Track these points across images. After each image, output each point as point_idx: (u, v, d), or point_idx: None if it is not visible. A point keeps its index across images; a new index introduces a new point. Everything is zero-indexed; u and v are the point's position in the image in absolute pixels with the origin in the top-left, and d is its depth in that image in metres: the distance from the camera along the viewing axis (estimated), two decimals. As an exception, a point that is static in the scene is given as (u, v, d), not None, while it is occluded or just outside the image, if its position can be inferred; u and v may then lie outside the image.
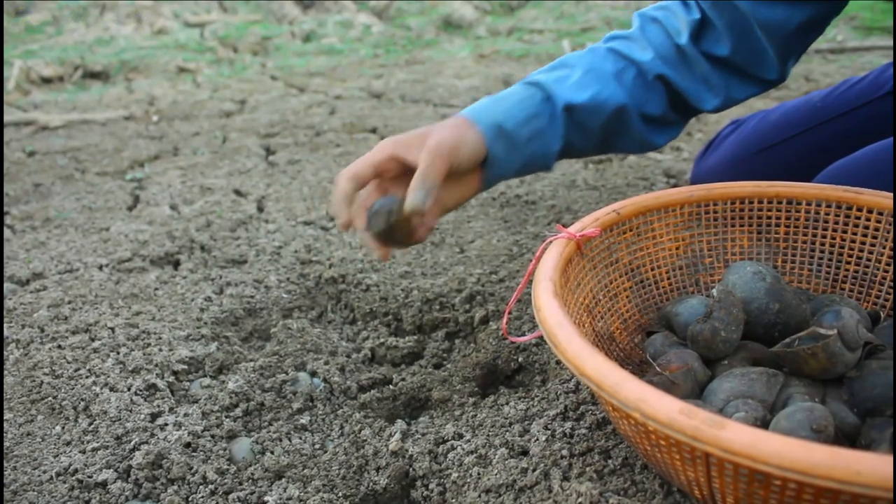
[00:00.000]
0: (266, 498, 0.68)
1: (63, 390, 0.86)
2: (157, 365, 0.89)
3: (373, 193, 0.81)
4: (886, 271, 0.78)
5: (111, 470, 0.73)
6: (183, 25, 4.09)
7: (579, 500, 0.59)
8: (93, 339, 0.97)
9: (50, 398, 0.85)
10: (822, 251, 0.82)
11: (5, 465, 0.74)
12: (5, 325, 1.02)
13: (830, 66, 2.56)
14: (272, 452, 0.74)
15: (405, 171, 0.79)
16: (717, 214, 0.83)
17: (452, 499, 0.66)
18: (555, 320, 0.57)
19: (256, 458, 0.75)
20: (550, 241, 0.70)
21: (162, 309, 1.05)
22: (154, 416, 0.81)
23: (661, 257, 0.82)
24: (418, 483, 0.69)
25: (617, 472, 0.64)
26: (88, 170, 1.78)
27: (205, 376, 0.89)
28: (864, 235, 0.79)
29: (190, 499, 0.69)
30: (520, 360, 0.87)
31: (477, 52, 3.20)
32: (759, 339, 0.71)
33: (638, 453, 0.63)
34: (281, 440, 0.77)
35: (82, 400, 0.84)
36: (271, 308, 1.06)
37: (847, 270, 0.80)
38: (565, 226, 0.73)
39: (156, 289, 1.12)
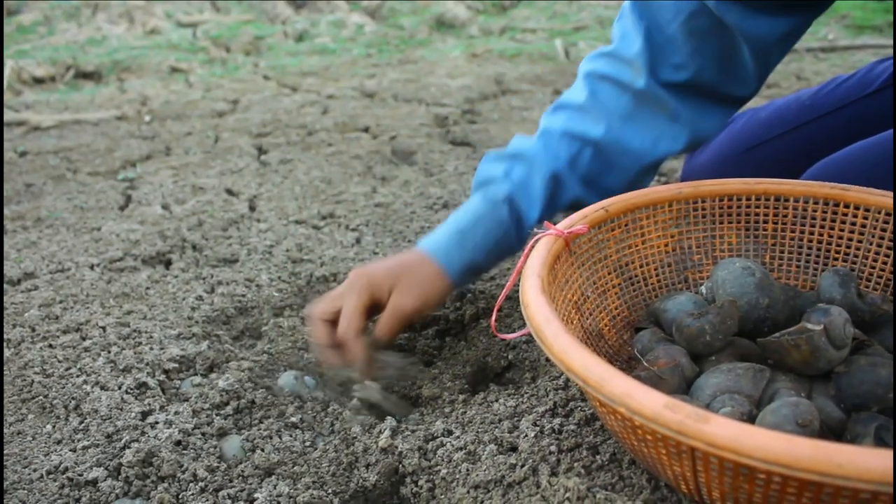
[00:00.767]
0: (256, 495, 0.68)
1: (54, 389, 0.86)
2: (148, 364, 0.90)
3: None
4: (874, 267, 0.79)
5: (101, 468, 0.73)
6: (175, 25, 4.08)
7: (567, 495, 0.59)
8: (84, 339, 0.97)
9: (41, 397, 0.85)
10: (809, 248, 0.83)
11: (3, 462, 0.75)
12: (-4, 324, 1.02)
13: (822, 64, 2.57)
14: (262, 450, 0.75)
15: None
16: (706, 211, 0.83)
17: (441, 495, 0.66)
18: (542, 317, 0.58)
19: (247, 455, 0.75)
20: (538, 238, 0.71)
21: (153, 308, 1.05)
22: (145, 415, 0.81)
23: (649, 254, 0.82)
24: (408, 479, 0.69)
25: (605, 468, 0.64)
26: (80, 170, 1.77)
27: (196, 375, 0.89)
28: (852, 232, 0.80)
29: (180, 496, 0.69)
30: (510, 357, 0.88)
31: (469, 51, 3.20)
32: (748, 334, 0.71)
33: (625, 449, 0.64)
34: (271, 438, 0.77)
35: (73, 399, 0.84)
36: (262, 307, 1.06)
37: (834, 266, 0.81)
38: (554, 223, 0.73)
39: (147, 288, 1.12)
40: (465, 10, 4.07)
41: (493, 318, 0.76)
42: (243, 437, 0.77)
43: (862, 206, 0.78)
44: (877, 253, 0.78)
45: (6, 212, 1.49)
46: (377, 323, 0.84)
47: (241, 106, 2.38)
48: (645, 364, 0.67)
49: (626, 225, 0.80)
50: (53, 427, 0.80)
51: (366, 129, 2.03)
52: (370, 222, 1.35)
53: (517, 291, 0.99)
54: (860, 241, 0.79)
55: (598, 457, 0.65)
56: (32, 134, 2.15)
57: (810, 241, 0.82)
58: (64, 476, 0.72)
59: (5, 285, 1.16)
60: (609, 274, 0.80)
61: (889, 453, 0.41)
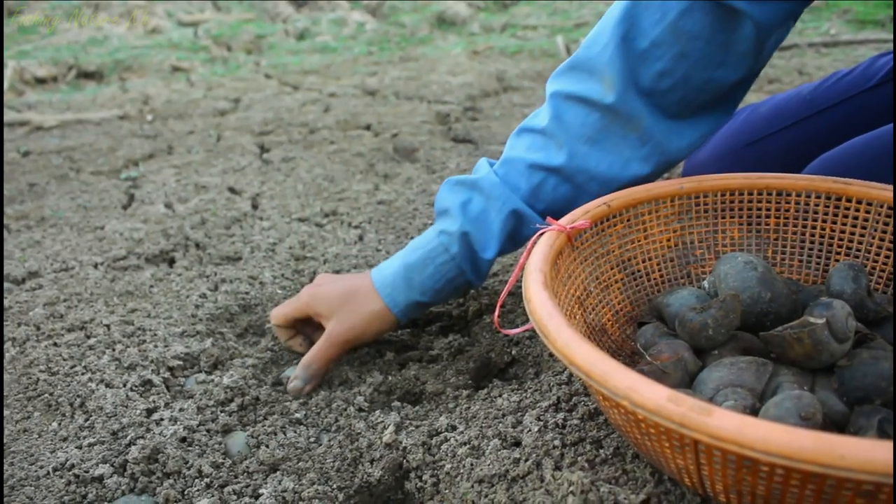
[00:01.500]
0: (261, 490, 0.68)
1: (59, 387, 0.87)
2: (152, 361, 0.90)
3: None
4: (876, 261, 0.79)
5: (107, 465, 0.73)
6: (176, 24, 4.09)
7: (570, 488, 0.60)
8: (88, 337, 0.97)
9: (46, 395, 0.85)
10: (811, 242, 0.83)
11: (3, 460, 0.75)
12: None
13: (823, 59, 2.57)
14: (267, 446, 0.75)
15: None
16: (708, 206, 0.83)
17: (446, 489, 0.67)
18: (544, 311, 0.58)
19: (251, 451, 0.75)
20: (541, 234, 0.71)
21: (157, 306, 1.05)
22: (150, 412, 0.81)
23: (651, 249, 0.83)
24: (412, 475, 0.70)
25: (608, 462, 0.65)
26: (83, 169, 1.78)
27: (200, 372, 0.90)
28: (854, 226, 0.80)
29: (186, 492, 0.70)
30: (513, 353, 0.88)
31: (470, 48, 3.20)
32: (751, 328, 0.72)
33: (629, 442, 0.64)
34: (276, 434, 0.77)
35: (78, 396, 0.84)
36: (266, 304, 1.06)
37: (837, 261, 0.81)
38: (556, 218, 0.73)
39: (151, 286, 1.12)
40: (466, 7, 4.07)
41: (497, 313, 0.77)
42: (248, 433, 0.78)
43: (864, 200, 0.78)
44: (879, 247, 0.78)
45: (10, 211, 1.49)
46: (310, 350, 0.87)
47: (243, 105, 2.39)
48: (648, 358, 0.67)
49: (628, 220, 0.80)
50: (59, 424, 0.81)
51: (368, 127, 2.03)
52: (373, 220, 1.36)
53: (520, 287, 0.99)
54: (862, 236, 0.79)
55: (601, 451, 0.66)
56: (35, 134, 2.15)
57: (812, 235, 0.82)
58: (70, 473, 0.72)
59: (10, 284, 1.16)
60: (611, 269, 0.80)
61: (892, 445, 0.42)
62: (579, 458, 0.65)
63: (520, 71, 2.68)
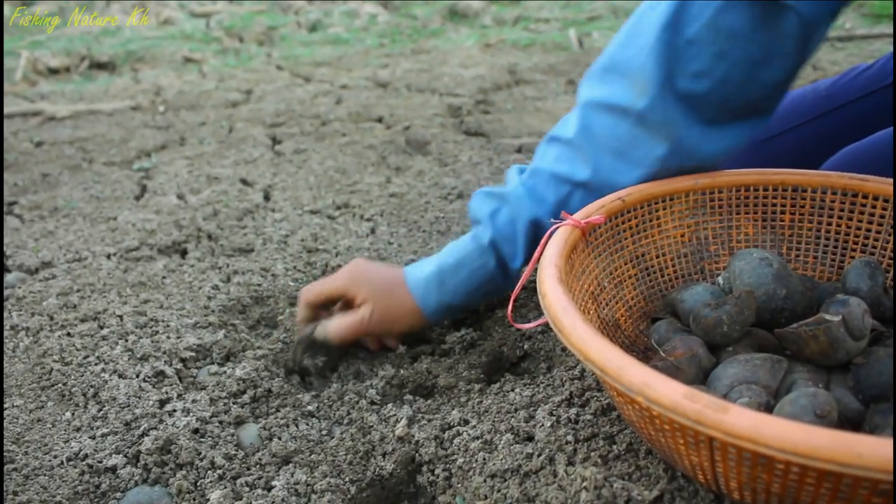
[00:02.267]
0: (274, 483, 0.69)
1: (72, 377, 0.87)
2: (165, 352, 0.90)
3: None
4: (892, 259, 0.78)
5: (120, 455, 0.73)
6: (188, 16, 4.09)
7: (584, 484, 0.59)
8: (101, 327, 0.98)
9: (59, 385, 0.86)
10: (827, 239, 0.82)
11: (17, 449, 0.75)
12: (14, 313, 1.03)
13: (838, 54, 2.55)
14: (279, 438, 0.75)
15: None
16: (723, 202, 0.83)
17: (458, 483, 0.67)
18: (559, 306, 0.58)
19: (264, 443, 0.75)
20: (555, 229, 0.71)
21: (170, 297, 1.05)
22: (162, 403, 0.82)
23: (666, 245, 0.82)
24: (424, 468, 0.70)
25: (621, 458, 0.64)
26: (95, 160, 1.78)
27: (212, 363, 0.90)
28: (870, 223, 0.79)
29: (198, 483, 0.70)
30: (525, 347, 0.88)
31: (483, 41, 3.19)
32: (766, 324, 0.71)
33: (642, 438, 0.64)
34: (288, 426, 0.77)
35: (91, 387, 0.85)
36: (278, 296, 1.06)
37: (852, 258, 0.80)
38: (570, 213, 0.73)
39: (163, 277, 1.12)
40: (479, -1, 4.06)
41: (510, 308, 0.77)
42: (260, 425, 0.78)
43: (881, 196, 0.78)
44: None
45: (23, 201, 1.50)
46: (334, 318, 0.88)
47: (255, 96, 2.39)
48: (662, 354, 0.67)
49: (642, 215, 0.80)
50: (73, 415, 0.81)
51: (379, 119, 2.03)
52: (385, 212, 1.35)
53: (533, 282, 0.99)
54: (879, 232, 0.79)
55: (614, 447, 0.66)
56: (48, 124, 2.16)
57: (828, 231, 0.82)
58: (84, 463, 0.73)
59: (24, 274, 1.17)
60: (625, 264, 0.80)
61: (910, 444, 0.41)
62: (592, 454, 0.65)
63: (532, 64, 2.67)
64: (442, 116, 2.02)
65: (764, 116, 0.80)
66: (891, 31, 2.81)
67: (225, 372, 0.87)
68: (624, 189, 0.79)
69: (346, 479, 0.69)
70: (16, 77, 2.81)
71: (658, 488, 0.59)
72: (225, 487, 0.69)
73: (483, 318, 0.96)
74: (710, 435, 0.46)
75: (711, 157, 0.80)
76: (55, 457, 0.74)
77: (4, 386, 0.86)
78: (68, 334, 0.96)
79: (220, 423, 0.78)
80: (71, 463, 0.73)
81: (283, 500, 0.66)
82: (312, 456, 0.73)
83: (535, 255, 0.70)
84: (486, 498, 0.63)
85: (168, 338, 0.94)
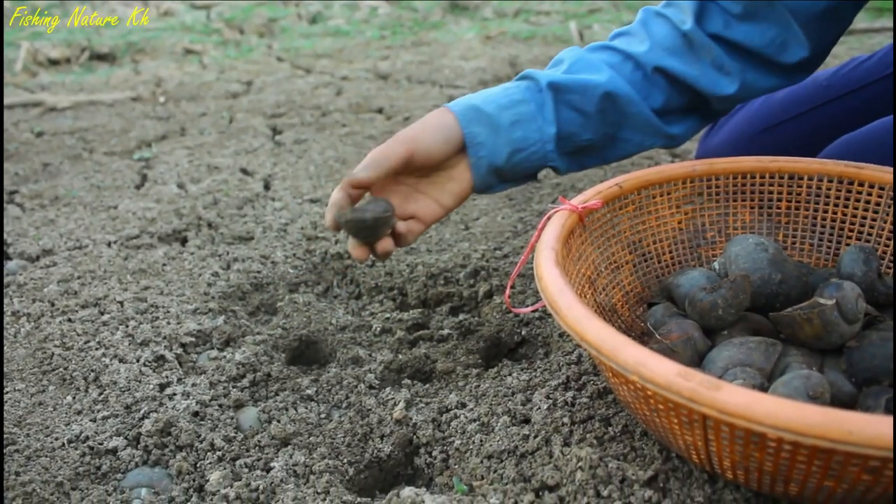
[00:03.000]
0: (273, 464, 0.69)
1: (74, 362, 0.88)
2: (165, 337, 0.91)
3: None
4: (887, 245, 0.79)
5: (121, 437, 0.74)
6: (189, 7, 4.09)
7: (579, 464, 0.60)
8: (102, 313, 0.98)
9: (61, 369, 0.87)
10: (823, 226, 0.83)
11: (19, 431, 0.76)
12: (16, 299, 1.03)
13: (840, 47, 2.55)
14: (278, 421, 0.76)
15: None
16: (720, 189, 0.83)
17: (455, 465, 0.67)
18: (556, 288, 0.58)
19: (263, 426, 0.76)
20: (553, 213, 0.71)
21: (170, 284, 1.06)
22: (163, 387, 0.82)
23: (662, 231, 0.83)
24: (422, 450, 0.70)
25: (617, 439, 0.65)
26: (96, 150, 1.79)
27: (212, 348, 0.91)
28: (866, 210, 0.80)
29: (198, 465, 0.71)
30: (523, 333, 0.88)
31: (483, 33, 3.19)
32: (761, 309, 0.72)
33: (637, 420, 0.64)
34: (287, 410, 0.78)
35: (92, 371, 0.85)
36: (278, 283, 1.07)
37: (848, 244, 0.81)
38: (569, 198, 0.73)
39: (164, 265, 1.13)
40: (479, -8, 4.05)
41: (507, 292, 0.77)
42: (259, 408, 0.78)
43: (877, 184, 0.78)
44: (890, 231, 0.78)
45: (24, 190, 1.50)
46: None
47: (255, 87, 2.39)
48: (657, 337, 0.68)
49: (639, 201, 0.81)
50: (74, 398, 0.82)
51: (380, 111, 2.03)
52: (384, 202, 1.36)
53: (531, 269, 0.99)
54: (874, 220, 0.79)
55: (610, 428, 0.66)
56: (49, 115, 2.16)
57: (824, 219, 0.82)
58: (85, 445, 0.73)
59: (25, 262, 1.17)
60: (622, 250, 0.80)
61: (898, 421, 0.42)
62: (588, 435, 0.65)
63: (532, 56, 2.67)
64: (442, 107, 2.02)
65: (807, 64, 0.86)
66: (891, 24, 2.81)
67: (225, 357, 0.87)
68: (621, 176, 0.79)
69: (345, 460, 0.70)
70: (16, 68, 2.81)
71: (653, 468, 0.60)
72: (224, 469, 0.69)
73: (481, 305, 0.97)
74: (704, 413, 0.47)
75: (756, 87, 0.85)
76: (56, 439, 0.75)
77: (6, 370, 0.87)
78: (69, 320, 0.97)
79: (220, 406, 0.79)
80: (72, 445, 0.74)
81: (281, 480, 0.67)
82: (311, 438, 0.74)
83: (532, 240, 0.70)
84: (482, 478, 0.64)
85: (168, 323, 0.94)
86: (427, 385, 0.81)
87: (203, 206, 1.36)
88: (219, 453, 0.72)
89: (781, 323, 0.65)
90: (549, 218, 0.71)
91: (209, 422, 0.76)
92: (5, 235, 1.26)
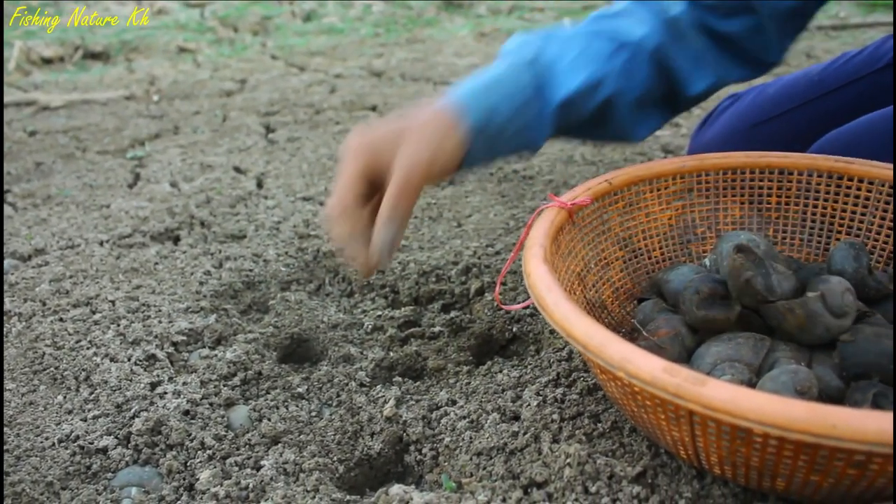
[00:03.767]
0: (263, 462, 0.69)
1: (64, 361, 0.87)
2: (156, 336, 0.91)
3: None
4: (877, 240, 0.79)
5: (111, 437, 0.74)
6: (183, 6, 4.08)
7: (568, 460, 0.60)
8: (93, 312, 0.98)
9: (52, 368, 0.86)
10: (813, 221, 0.83)
11: (9, 431, 0.76)
12: (7, 298, 1.03)
13: (832, 42, 2.55)
14: (269, 419, 0.76)
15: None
16: (710, 185, 0.83)
17: (445, 462, 0.67)
18: (543, 285, 0.58)
19: (254, 424, 0.76)
20: (542, 210, 0.71)
21: (162, 283, 1.06)
22: (153, 386, 0.82)
23: (653, 227, 0.83)
24: (412, 448, 0.70)
25: (605, 435, 0.65)
26: (89, 148, 1.78)
27: (203, 347, 0.91)
28: (855, 205, 0.80)
29: (188, 463, 0.71)
30: (514, 330, 0.88)
31: (477, 30, 3.19)
32: (751, 305, 0.72)
33: (626, 416, 0.64)
34: (278, 408, 0.78)
35: (83, 370, 0.85)
36: (270, 281, 1.07)
37: (838, 240, 0.81)
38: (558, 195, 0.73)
39: (156, 263, 1.13)
40: (474, -11, 4.05)
41: (497, 290, 0.77)
42: (250, 406, 0.78)
43: (866, 179, 0.78)
44: (880, 226, 0.78)
45: (17, 190, 1.50)
46: (385, 198, 0.66)
47: (249, 85, 2.39)
48: (645, 334, 0.68)
49: (629, 198, 0.81)
50: (64, 397, 0.82)
51: (374, 108, 2.03)
52: (377, 199, 1.36)
53: (521, 266, 0.99)
54: (864, 215, 0.79)
55: (599, 425, 0.66)
56: (42, 114, 2.16)
57: (814, 214, 0.82)
58: (75, 444, 0.73)
59: (17, 261, 1.17)
60: (612, 246, 0.80)
61: (883, 415, 0.42)
62: (577, 432, 0.65)
63: (526, 53, 2.66)
64: (436, 105, 2.02)
65: (777, 62, 0.86)
66: (884, 19, 2.81)
67: (216, 355, 0.87)
68: (611, 172, 0.79)
69: (335, 458, 0.70)
70: (9, 67, 2.80)
71: (641, 464, 0.60)
72: (214, 467, 0.69)
73: (472, 302, 0.97)
74: (690, 408, 0.47)
75: (724, 80, 0.85)
76: (47, 438, 0.75)
77: (-3, 370, 0.87)
78: (60, 319, 0.97)
79: (211, 404, 0.79)
80: (62, 444, 0.74)
81: (271, 478, 0.67)
82: (301, 436, 0.73)
83: (522, 237, 0.70)
84: (471, 476, 0.64)
85: (160, 322, 0.94)
86: (418, 382, 0.81)
87: (196, 204, 1.36)
88: (209, 452, 0.72)
89: (767, 314, 0.65)
90: (538, 214, 0.71)
91: (200, 420, 0.76)
92: (-3, 235, 1.26)
